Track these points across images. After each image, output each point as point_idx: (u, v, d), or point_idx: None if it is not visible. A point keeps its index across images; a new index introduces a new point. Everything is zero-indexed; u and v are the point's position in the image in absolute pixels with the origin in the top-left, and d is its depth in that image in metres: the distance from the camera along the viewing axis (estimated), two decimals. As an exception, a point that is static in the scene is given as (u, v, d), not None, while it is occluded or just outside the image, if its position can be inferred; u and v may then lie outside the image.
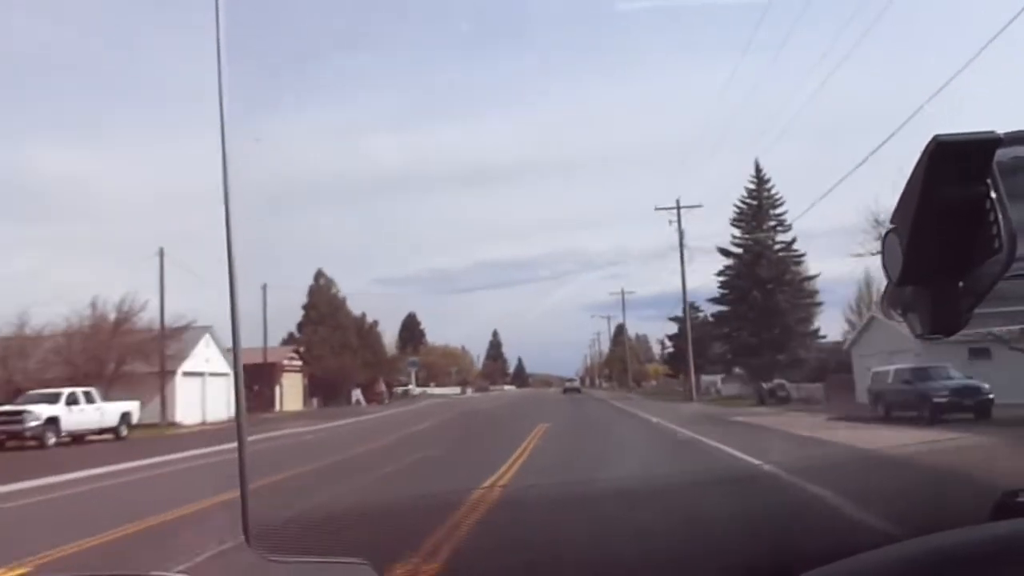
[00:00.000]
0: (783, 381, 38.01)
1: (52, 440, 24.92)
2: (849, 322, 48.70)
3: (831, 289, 65.69)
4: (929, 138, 0.76)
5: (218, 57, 1.40)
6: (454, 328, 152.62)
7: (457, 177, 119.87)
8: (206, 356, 41.85)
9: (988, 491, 1.37)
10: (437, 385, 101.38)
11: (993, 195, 0.75)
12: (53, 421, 25.20)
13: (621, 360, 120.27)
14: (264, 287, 50.09)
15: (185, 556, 6.73)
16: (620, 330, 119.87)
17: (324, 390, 58.51)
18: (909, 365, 23.48)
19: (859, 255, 28.36)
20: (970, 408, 20.12)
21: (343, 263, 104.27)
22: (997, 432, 14.42)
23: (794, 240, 49.07)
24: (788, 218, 48.89)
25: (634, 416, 28.82)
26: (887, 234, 0.83)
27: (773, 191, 49.85)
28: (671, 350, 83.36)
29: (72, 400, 26.26)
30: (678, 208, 46.81)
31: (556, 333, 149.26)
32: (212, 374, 42.39)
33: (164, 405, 37.42)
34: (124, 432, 28.71)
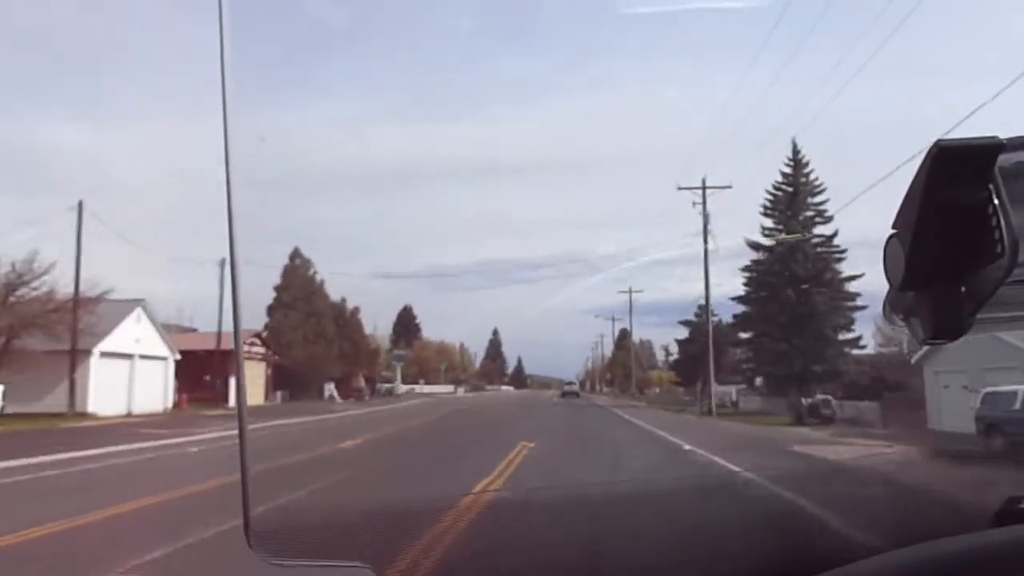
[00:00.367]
0: (829, 397, 30.63)
1: None
2: (881, 332, 41.51)
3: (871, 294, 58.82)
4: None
5: (221, 48, 1.32)
6: (455, 325, 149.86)
7: (464, 174, 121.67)
8: (136, 335, 34.61)
9: (991, 497, 1.35)
10: (428, 383, 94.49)
11: (995, 200, 0.75)
12: None
13: (624, 365, 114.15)
14: (222, 262, 42.92)
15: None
16: (624, 334, 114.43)
17: (292, 383, 51.30)
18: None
19: None
20: None
21: (346, 254, 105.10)
22: None
23: (835, 234, 41.65)
24: (829, 208, 41.55)
25: (652, 436, 21.44)
26: (889, 239, 0.82)
27: (812, 176, 42.55)
28: (678, 356, 76.35)
29: None
30: (703, 188, 39.48)
31: (557, 335, 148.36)
32: (144, 357, 35.18)
33: (72, 391, 30.19)
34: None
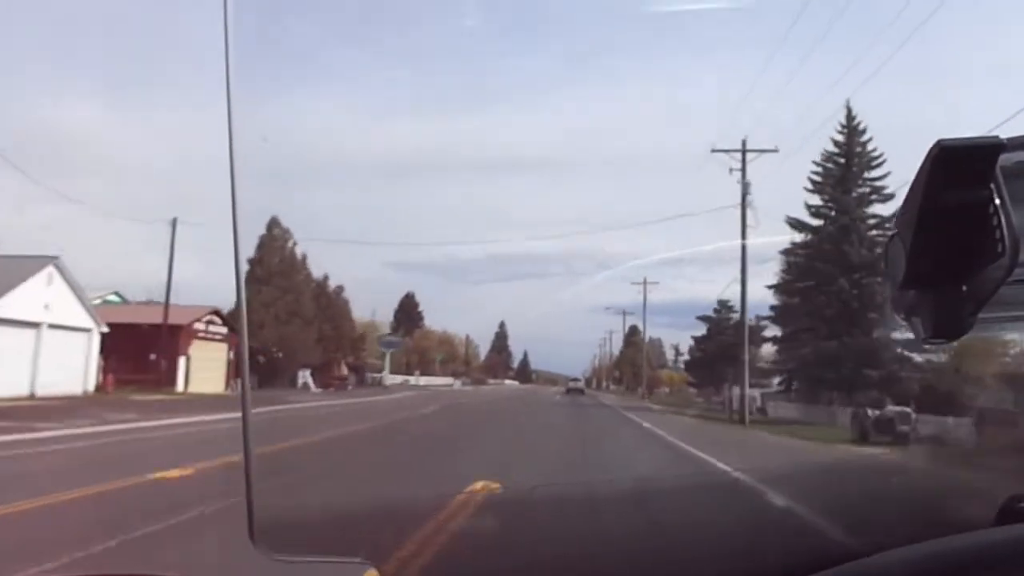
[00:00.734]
0: (907, 409, 23.50)
1: None
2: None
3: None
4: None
5: (225, 47, 1.30)
6: (463, 318, 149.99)
7: (477, 167, 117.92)
8: (45, 300, 27.85)
9: (992, 496, 1.32)
10: (428, 374, 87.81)
11: (996, 200, 0.75)
12: None
13: (633, 363, 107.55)
14: (174, 221, 36.18)
15: None
16: (634, 331, 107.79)
17: (261, 368, 44.56)
18: None
19: None
20: None
21: (355, 245, 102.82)
22: None
23: (895, 215, 34.29)
24: (890, 184, 34.38)
25: (693, 460, 14.38)
26: (890, 238, 0.82)
27: (870, 147, 35.38)
28: (694, 356, 69.31)
29: None
30: (743, 151, 32.35)
31: (565, 331, 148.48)
32: (56, 327, 28.47)
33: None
34: None
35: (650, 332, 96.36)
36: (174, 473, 9.26)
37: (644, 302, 68.49)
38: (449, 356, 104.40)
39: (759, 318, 68.78)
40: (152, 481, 8.80)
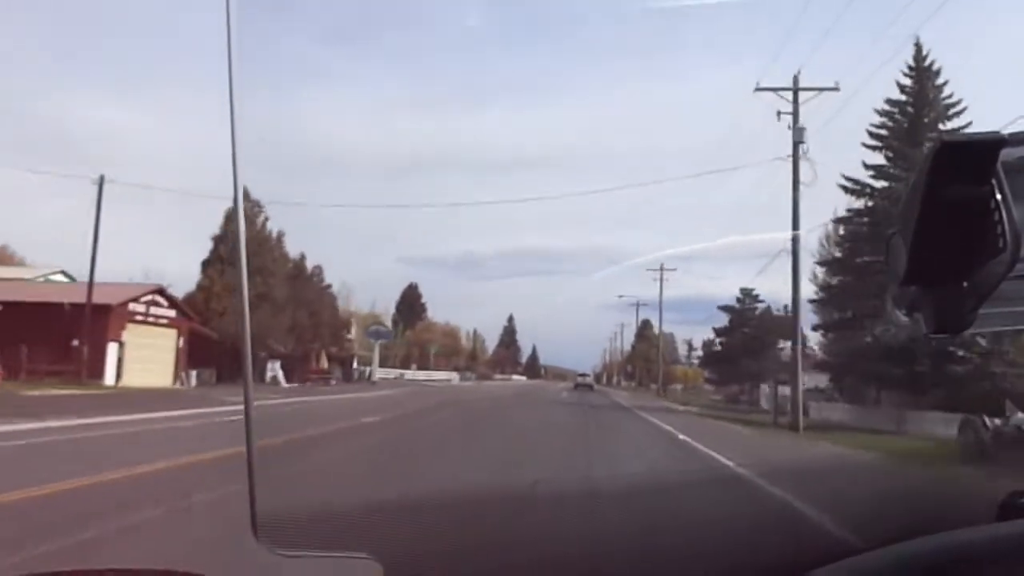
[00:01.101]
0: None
1: None
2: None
3: None
4: None
5: (228, 45, 1.27)
6: (472, 312, 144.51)
7: (487, 163, 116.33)
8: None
9: (994, 491, 1.30)
10: (421, 368, 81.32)
11: (998, 195, 0.74)
12: None
13: (646, 358, 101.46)
14: (100, 179, 29.61)
15: None
16: (646, 325, 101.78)
17: (222, 359, 38.10)
18: None
19: None
20: None
21: (369, 239, 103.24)
22: None
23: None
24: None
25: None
26: (892, 234, 0.82)
27: (946, 92, 28.40)
28: (714, 350, 62.39)
29: None
30: (795, 90, 25.38)
31: (575, 326, 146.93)
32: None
33: None
34: None
35: (662, 328, 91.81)
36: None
37: (660, 290, 61.73)
38: (452, 350, 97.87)
39: (786, 308, 60.80)
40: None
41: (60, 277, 39.44)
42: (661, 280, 61.50)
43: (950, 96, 28.26)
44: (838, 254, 31.32)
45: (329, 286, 47.58)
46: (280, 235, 44.60)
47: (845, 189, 29.20)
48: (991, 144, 0.73)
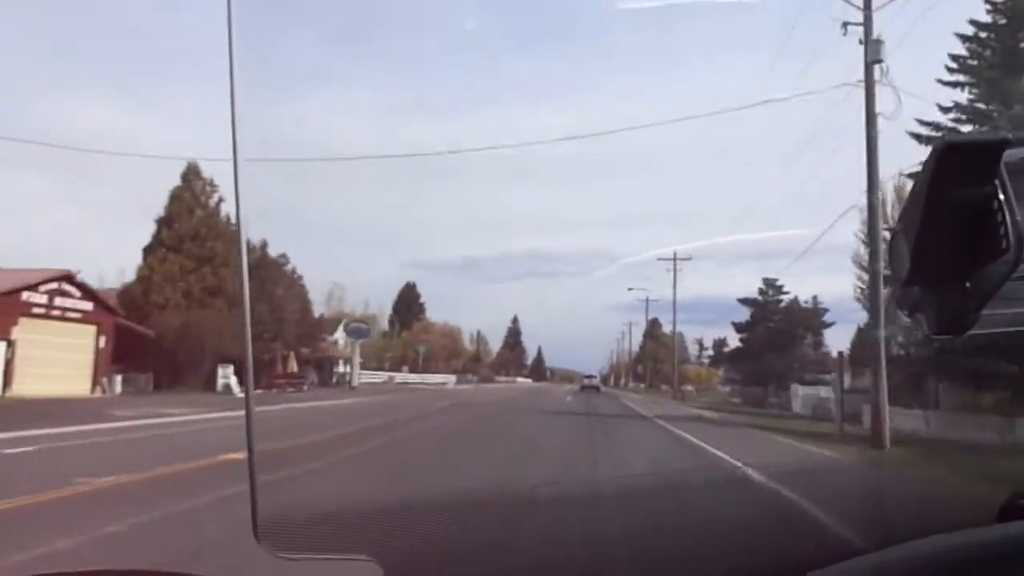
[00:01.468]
0: None
1: None
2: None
3: None
4: None
5: (229, 46, 1.25)
6: (476, 314, 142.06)
7: (494, 168, 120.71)
8: None
9: (994, 493, 1.28)
10: (425, 370, 74.94)
11: (1001, 196, 0.73)
12: None
13: (655, 358, 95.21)
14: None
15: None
16: (655, 324, 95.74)
17: (162, 363, 31.72)
18: None
19: None
20: None
21: (373, 243, 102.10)
22: None
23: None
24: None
25: None
26: (894, 235, 0.81)
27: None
28: (735, 348, 55.71)
29: None
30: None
31: (581, 328, 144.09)
32: None
33: None
34: None
35: (670, 327, 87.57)
36: None
37: (674, 281, 55.09)
38: (451, 351, 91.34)
39: (815, 300, 54.42)
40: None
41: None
42: (675, 270, 54.94)
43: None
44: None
45: (299, 278, 41.02)
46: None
47: (919, 138, 22.55)
48: (994, 145, 0.72)
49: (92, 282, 33.67)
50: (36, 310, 25.42)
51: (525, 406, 28.93)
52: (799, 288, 49.80)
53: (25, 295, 24.83)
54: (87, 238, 59.50)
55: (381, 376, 58.44)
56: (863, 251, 27.34)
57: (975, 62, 22.15)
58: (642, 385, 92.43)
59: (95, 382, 27.79)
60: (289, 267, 40.63)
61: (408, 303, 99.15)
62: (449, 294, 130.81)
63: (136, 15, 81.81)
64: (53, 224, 58.96)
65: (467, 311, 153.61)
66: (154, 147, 76.73)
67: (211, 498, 6.94)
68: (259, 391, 34.35)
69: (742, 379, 55.28)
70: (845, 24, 18.64)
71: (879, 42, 18.16)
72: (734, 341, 54.39)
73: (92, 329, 27.95)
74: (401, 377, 60.83)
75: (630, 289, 63.83)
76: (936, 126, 22.32)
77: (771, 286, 53.03)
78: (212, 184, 35.91)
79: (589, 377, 65.48)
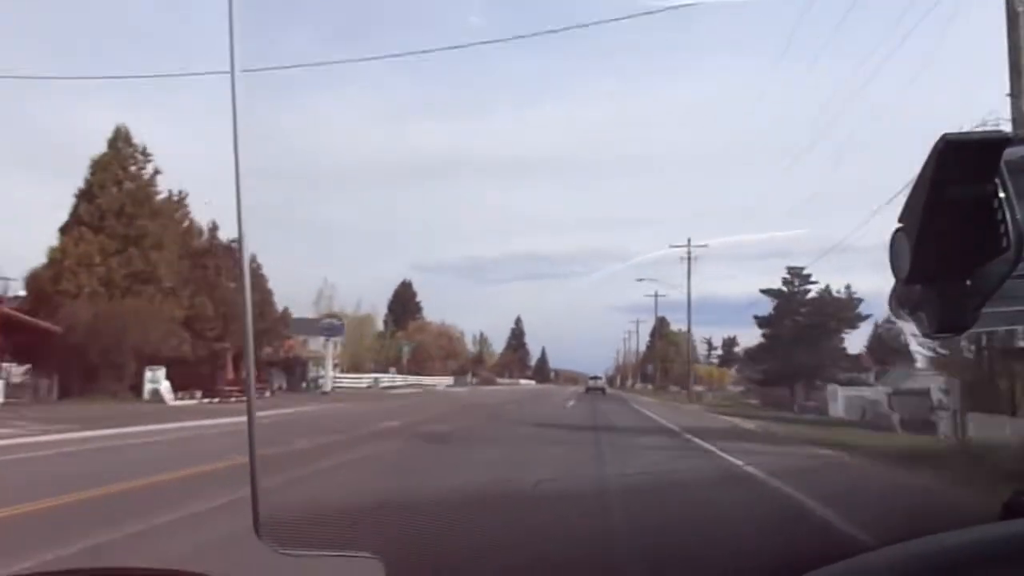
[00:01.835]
0: None
1: None
2: None
3: None
4: None
5: (231, 49, 1.24)
6: (479, 315, 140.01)
7: (495, 168, 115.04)
8: None
9: (997, 492, 1.27)
10: (422, 372, 69.09)
11: (1001, 194, 0.73)
12: None
13: (664, 357, 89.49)
14: None
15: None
16: (663, 323, 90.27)
17: (77, 363, 25.57)
18: None
19: None
20: None
21: (376, 247, 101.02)
22: None
23: None
24: None
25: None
26: (895, 233, 0.80)
27: None
28: (758, 345, 49.35)
29: None
30: None
31: (586, 329, 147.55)
32: None
33: None
34: None
35: (676, 327, 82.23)
36: None
37: (688, 270, 48.79)
38: (447, 351, 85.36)
39: (849, 290, 47.85)
40: None
41: None
42: (689, 258, 48.66)
43: None
44: None
45: (258, 267, 34.84)
46: (182, 196, 32.03)
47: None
48: (995, 142, 0.71)
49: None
50: None
51: (514, 418, 22.54)
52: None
53: None
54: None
55: (366, 378, 52.33)
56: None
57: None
58: (649, 386, 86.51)
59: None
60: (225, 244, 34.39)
61: (404, 302, 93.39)
62: (452, 295, 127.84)
63: (136, 16, 79.90)
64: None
65: (470, 312, 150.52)
66: (153, 148, 72.28)
67: None
68: (193, 401, 28.25)
69: (763, 379, 48.86)
70: None
71: None
72: (745, 340, 48.97)
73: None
74: (388, 379, 54.63)
75: (639, 280, 58.14)
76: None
77: (797, 275, 46.63)
78: (145, 152, 29.76)
79: (594, 378, 61.82)
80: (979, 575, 1.03)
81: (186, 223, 32.13)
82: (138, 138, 29.59)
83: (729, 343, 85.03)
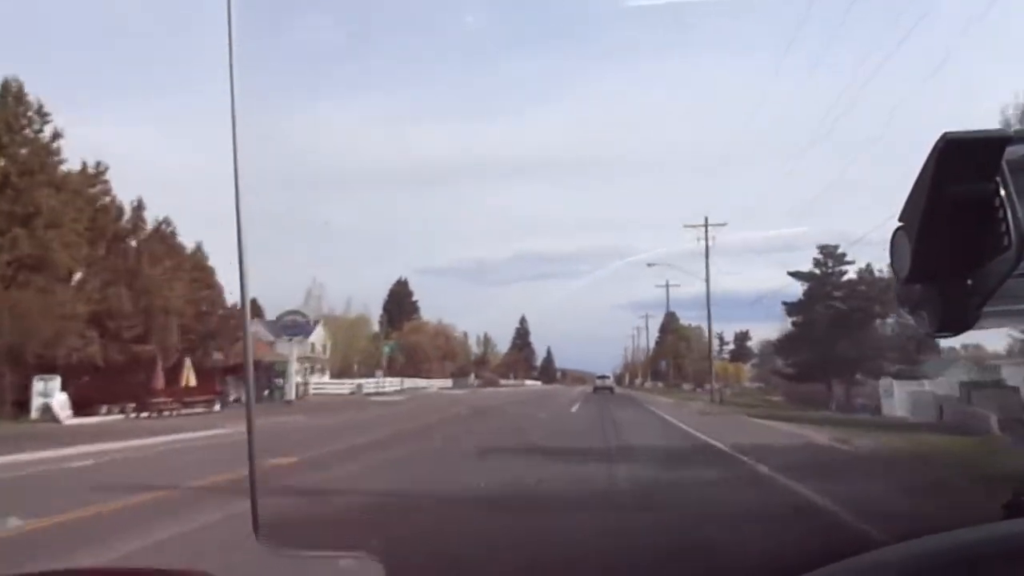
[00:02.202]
0: None
1: None
2: None
3: None
4: None
5: (230, 52, 1.24)
6: (483, 316, 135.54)
7: (499, 169, 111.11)
8: None
9: (1000, 490, 1.24)
10: (416, 374, 63.41)
11: (1002, 192, 0.73)
12: None
13: (675, 352, 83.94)
14: None
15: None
16: (672, 318, 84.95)
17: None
18: None
19: None
20: None
21: (382, 252, 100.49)
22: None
23: None
24: None
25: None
26: (895, 232, 0.80)
27: None
28: (790, 332, 43.04)
29: None
30: None
31: (592, 329, 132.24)
32: None
33: None
34: None
35: (686, 323, 79.96)
36: None
37: (707, 253, 42.54)
38: (445, 351, 79.59)
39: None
40: None
41: None
42: (707, 237, 42.41)
43: None
44: None
45: (196, 251, 28.81)
46: (101, 170, 26.02)
47: None
48: (996, 141, 0.71)
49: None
50: None
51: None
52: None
53: None
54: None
55: (348, 383, 46.34)
56: None
57: None
58: (660, 384, 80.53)
59: None
60: (181, 240, 28.43)
61: (399, 301, 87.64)
62: (455, 297, 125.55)
63: (136, 17, 78.74)
64: None
65: (474, 313, 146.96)
66: (153, 153, 71.63)
67: None
68: (98, 419, 22.23)
69: (794, 373, 42.61)
70: None
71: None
72: (758, 334, 43.30)
73: None
74: (374, 383, 48.59)
75: (650, 265, 52.22)
76: None
77: (831, 255, 40.32)
78: (42, 112, 23.72)
79: (602, 377, 57.49)
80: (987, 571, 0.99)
81: (106, 200, 26.07)
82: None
83: (742, 337, 79.70)
